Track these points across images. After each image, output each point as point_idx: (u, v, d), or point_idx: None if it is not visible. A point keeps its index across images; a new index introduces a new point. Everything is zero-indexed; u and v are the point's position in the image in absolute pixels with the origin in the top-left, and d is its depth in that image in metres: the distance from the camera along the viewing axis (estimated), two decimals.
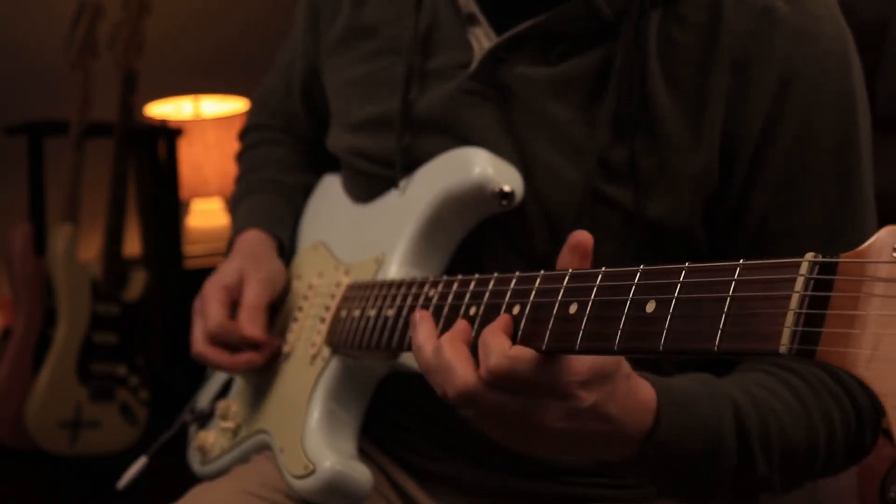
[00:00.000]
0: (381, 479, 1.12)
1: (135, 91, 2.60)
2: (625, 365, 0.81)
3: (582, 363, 0.77)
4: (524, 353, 0.76)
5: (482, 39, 1.04)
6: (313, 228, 1.28)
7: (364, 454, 1.08)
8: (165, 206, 2.92)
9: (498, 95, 1.02)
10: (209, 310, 1.13)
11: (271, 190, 1.31)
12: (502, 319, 0.81)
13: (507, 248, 1.03)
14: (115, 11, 2.60)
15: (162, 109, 3.12)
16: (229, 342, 1.13)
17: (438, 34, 1.07)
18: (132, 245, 2.94)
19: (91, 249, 2.85)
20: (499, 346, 0.77)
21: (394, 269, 1.05)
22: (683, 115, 0.96)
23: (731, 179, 0.96)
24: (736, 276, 0.64)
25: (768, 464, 0.90)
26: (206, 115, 3.16)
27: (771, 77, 0.94)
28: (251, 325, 1.13)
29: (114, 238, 2.60)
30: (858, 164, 0.97)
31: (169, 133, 2.94)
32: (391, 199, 1.11)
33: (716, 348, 0.63)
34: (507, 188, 0.99)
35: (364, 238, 1.13)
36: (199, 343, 1.14)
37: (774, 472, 0.90)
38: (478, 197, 1.01)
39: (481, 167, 1.01)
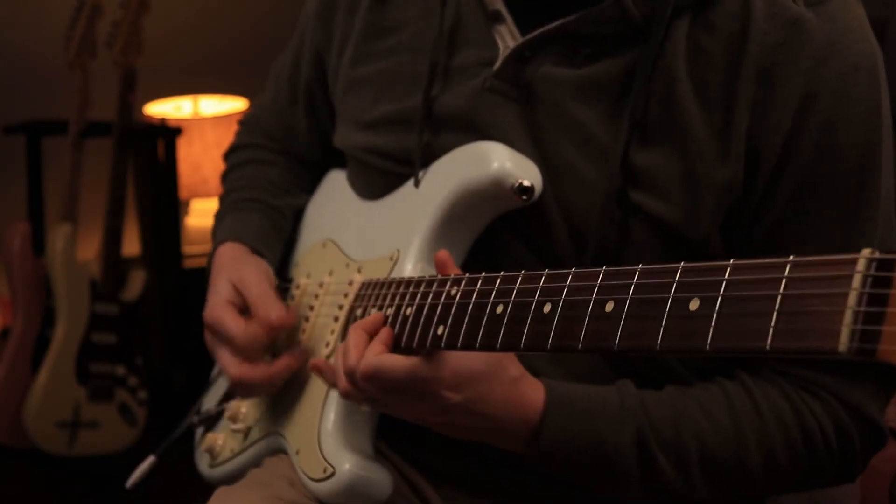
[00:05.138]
0: (398, 478, 1.11)
1: (133, 90, 2.60)
2: (512, 368, 0.92)
3: (446, 369, 0.88)
4: (390, 360, 0.89)
5: (507, 37, 1.03)
6: (320, 226, 1.26)
7: (378, 453, 1.07)
8: (164, 205, 2.91)
9: (521, 94, 1.01)
10: (228, 329, 1.09)
11: (257, 210, 1.28)
12: (375, 318, 0.95)
13: (526, 248, 1.01)
14: (114, 10, 2.59)
15: (161, 109, 3.12)
16: (262, 347, 1.10)
17: (463, 31, 1.06)
18: (131, 245, 2.93)
19: (90, 249, 2.85)
20: (363, 347, 0.92)
21: (409, 267, 1.03)
22: (711, 123, 0.95)
23: (751, 189, 0.96)
24: (787, 274, 0.62)
25: (685, 477, 0.95)
26: (205, 115, 3.16)
27: (796, 89, 0.93)
28: (272, 310, 1.09)
29: (113, 238, 2.59)
30: (878, 178, 0.96)
31: (168, 132, 2.93)
32: (405, 194, 1.09)
33: (767, 347, 0.61)
34: (526, 182, 0.97)
35: (377, 235, 1.11)
36: (235, 368, 1.09)
37: (695, 484, 0.96)
38: (495, 191, 0.99)
39: (499, 161, 0.98)
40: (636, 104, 0.95)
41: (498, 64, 1.02)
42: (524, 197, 0.97)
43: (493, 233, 1.03)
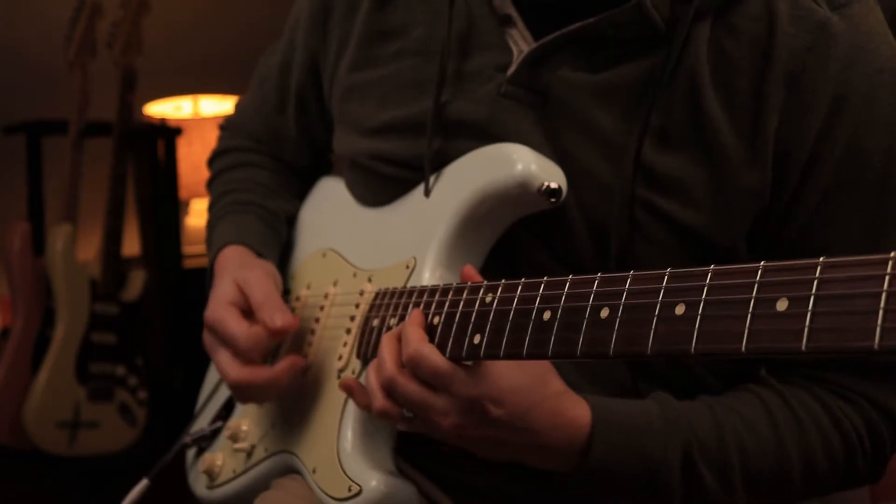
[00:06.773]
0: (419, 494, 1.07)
1: (134, 90, 2.60)
2: (554, 383, 0.89)
3: (491, 381, 0.85)
4: (431, 348, 0.86)
5: (519, 41, 1.01)
6: (318, 235, 1.22)
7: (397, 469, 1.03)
8: (164, 205, 2.91)
9: (537, 99, 0.99)
10: (231, 331, 1.06)
11: (253, 213, 1.25)
12: (417, 315, 0.90)
13: (546, 253, 0.99)
14: (114, 10, 2.59)
15: (161, 109, 3.12)
16: (264, 350, 1.07)
17: (474, 35, 1.03)
18: (131, 245, 2.93)
19: (90, 249, 2.85)
20: (417, 337, 0.87)
21: (427, 274, 0.99)
22: (737, 128, 0.94)
23: (779, 194, 0.95)
24: (889, 270, 0.60)
25: (727, 490, 0.94)
26: (205, 115, 3.16)
27: (825, 93, 0.93)
28: (277, 315, 1.05)
29: (112, 238, 2.59)
30: None
31: (168, 132, 2.93)
32: (415, 199, 1.05)
33: (876, 346, 0.59)
34: (553, 184, 0.94)
35: (387, 242, 1.07)
36: (235, 371, 1.05)
37: (736, 495, 0.95)
38: (520, 194, 0.95)
39: (524, 163, 0.95)
40: (658, 109, 0.94)
41: (513, 68, 1.00)
42: (553, 199, 0.95)
43: (511, 238, 1.00)
